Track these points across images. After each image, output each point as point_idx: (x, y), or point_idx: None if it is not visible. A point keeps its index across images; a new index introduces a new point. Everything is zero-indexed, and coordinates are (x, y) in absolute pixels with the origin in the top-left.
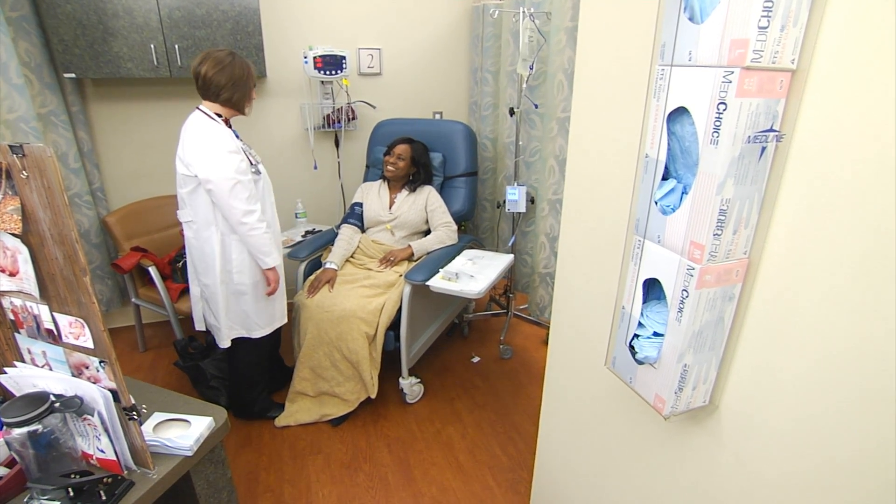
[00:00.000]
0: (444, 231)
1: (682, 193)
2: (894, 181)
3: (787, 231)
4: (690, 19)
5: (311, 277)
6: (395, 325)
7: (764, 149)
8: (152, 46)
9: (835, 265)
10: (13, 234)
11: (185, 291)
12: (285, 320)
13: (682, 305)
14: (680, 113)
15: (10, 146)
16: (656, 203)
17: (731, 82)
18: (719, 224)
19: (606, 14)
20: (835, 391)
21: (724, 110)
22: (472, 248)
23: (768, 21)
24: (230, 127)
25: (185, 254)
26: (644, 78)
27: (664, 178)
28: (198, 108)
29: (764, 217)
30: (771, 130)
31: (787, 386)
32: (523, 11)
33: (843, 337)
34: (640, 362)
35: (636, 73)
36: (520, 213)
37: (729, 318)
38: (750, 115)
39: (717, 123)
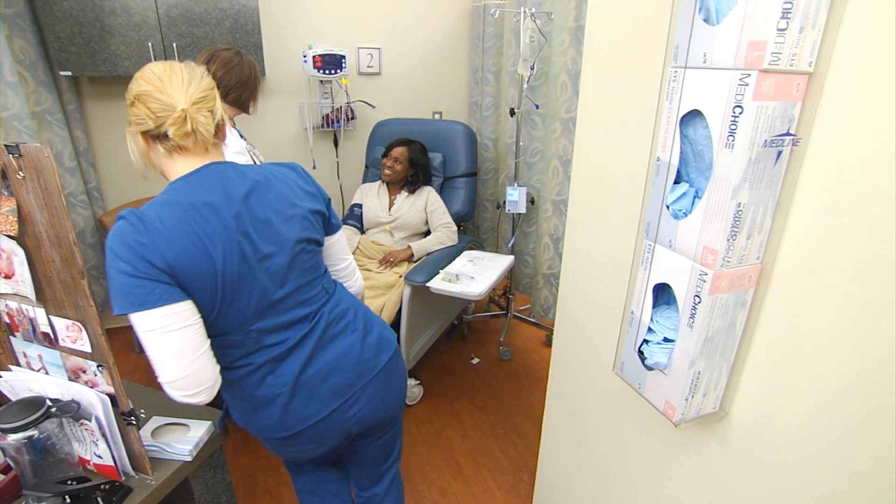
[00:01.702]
0: (444, 232)
1: (695, 198)
2: None
3: (800, 236)
4: (706, 20)
5: None
6: (394, 326)
7: (780, 153)
8: (150, 45)
9: (849, 271)
10: (9, 236)
11: None
12: None
13: (694, 311)
14: (693, 116)
15: (7, 146)
16: (668, 207)
17: (747, 85)
18: (733, 229)
19: (616, 14)
20: (848, 399)
21: (741, 114)
22: (472, 248)
23: (787, 23)
24: (235, 126)
25: None
26: (656, 80)
27: (676, 182)
28: None
29: (778, 222)
30: (787, 134)
31: (799, 393)
32: (524, 11)
33: (856, 344)
34: (649, 368)
35: (647, 74)
36: (520, 213)
37: (741, 324)
38: (766, 118)
39: (733, 127)
